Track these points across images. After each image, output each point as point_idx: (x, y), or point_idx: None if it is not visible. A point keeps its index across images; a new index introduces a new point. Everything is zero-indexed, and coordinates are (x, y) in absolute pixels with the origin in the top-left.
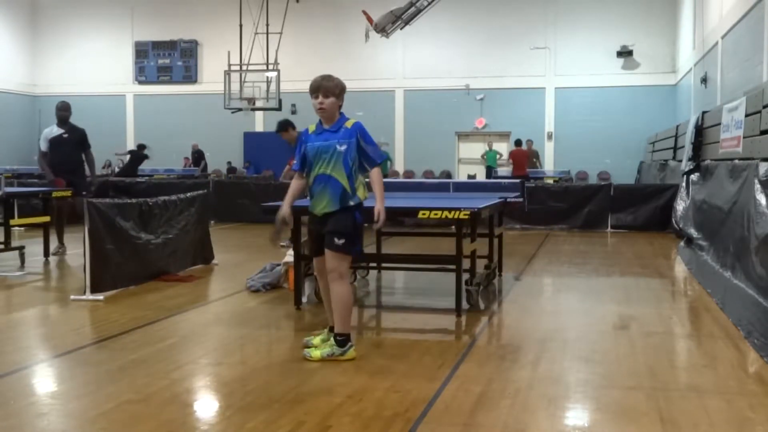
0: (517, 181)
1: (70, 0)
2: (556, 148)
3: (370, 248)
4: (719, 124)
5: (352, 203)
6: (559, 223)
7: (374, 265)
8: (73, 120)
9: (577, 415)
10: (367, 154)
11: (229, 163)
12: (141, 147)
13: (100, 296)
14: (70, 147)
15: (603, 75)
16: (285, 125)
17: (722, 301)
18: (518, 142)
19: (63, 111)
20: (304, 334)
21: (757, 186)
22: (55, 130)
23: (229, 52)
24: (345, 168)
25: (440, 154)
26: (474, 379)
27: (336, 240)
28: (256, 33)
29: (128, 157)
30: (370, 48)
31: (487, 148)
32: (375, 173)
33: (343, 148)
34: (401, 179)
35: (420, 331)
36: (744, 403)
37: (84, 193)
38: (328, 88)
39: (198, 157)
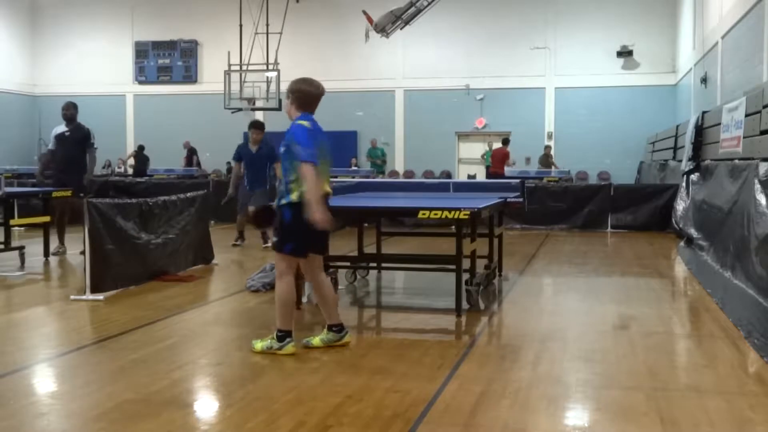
0: (517, 181)
1: (70, 0)
2: (556, 148)
3: (370, 248)
4: (719, 124)
5: (284, 201)
6: (559, 223)
7: (374, 265)
8: None
9: (577, 415)
10: (293, 152)
11: (228, 163)
12: (141, 148)
13: (100, 296)
14: (69, 145)
15: (603, 75)
16: (263, 127)
17: (722, 301)
18: (505, 141)
19: (65, 110)
20: (304, 334)
21: (757, 186)
22: (60, 128)
23: (229, 52)
24: (284, 169)
25: (440, 154)
26: (474, 379)
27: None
28: (256, 33)
29: (133, 159)
30: (370, 48)
31: (487, 148)
32: (302, 171)
33: (283, 149)
34: (401, 179)
35: (420, 331)
36: (744, 403)
37: (81, 195)
38: (288, 92)
39: (190, 154)
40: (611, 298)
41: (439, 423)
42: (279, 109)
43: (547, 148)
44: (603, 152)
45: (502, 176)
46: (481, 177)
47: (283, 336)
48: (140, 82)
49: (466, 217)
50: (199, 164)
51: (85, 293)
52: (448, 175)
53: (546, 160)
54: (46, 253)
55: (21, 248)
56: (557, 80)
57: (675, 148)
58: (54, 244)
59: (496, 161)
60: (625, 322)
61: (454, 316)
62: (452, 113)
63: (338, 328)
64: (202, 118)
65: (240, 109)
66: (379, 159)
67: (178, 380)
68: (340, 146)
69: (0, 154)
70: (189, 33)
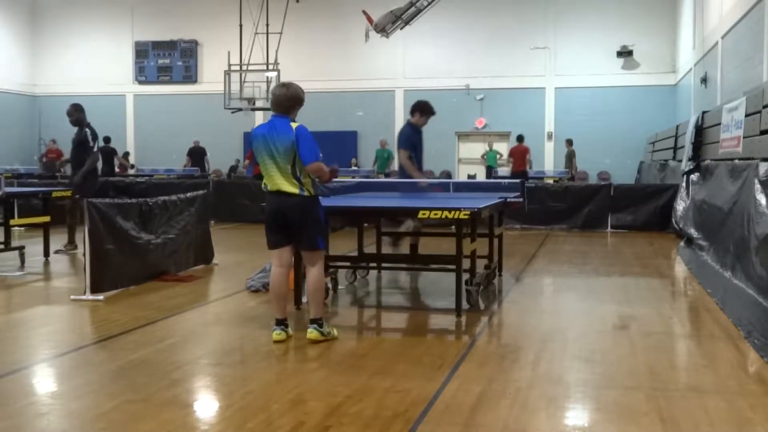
0: (517, 180)
1: (70, 0)
2: (556, 148)
3: (370, 248)
4: (719, 124)
5: None
6: (559, 223)
7: (374, 265)
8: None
9: (577, 415)
10: None
11: (229, 166)
12: (107, 140)
13: (100, 296)
14: (73, 148)
15: (603, 75)
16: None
17: (722, 301)
18: (519, 138)
19: (68, 115)
20: (305, 333)
21: (757, 186)
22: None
23: (229, 52)
24: None
25: (440, 154)
26: (474, 379)
27: None
28: (256, 33)
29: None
30: (370, 48)
31: (488, 148)
32: None
33: None
34: (401, 179)
35: (420, 331)
36: (744, 403)
37: (77, 195)
38: None
39: (198, 155)
40: (611, 298)
41: (439, 423)
42: None
43: (568, 142)
44: (603, 152)
45: (526, 176)
46: (481, 177)
47: (275, 322)
48: (140, 82)
49: (466, 217)
50: (206, 167)
51: (85, 293)
52: (448, 175)
53: (570, 160)
54: (46, 253)
55: (21, 248)
56: (557, 80)
57: (675, 148)
58: (58, 243)
59: (519, 160)
60: (625, 322)
61: (454, 316)
62: (452, 113)
63: (315, 324)
64: (202, 118)
65: (240, 109)
66: (386, 161)
67: (178, 380)
68: (340, 146)
69: (0, 154)
70: (189, 33)
